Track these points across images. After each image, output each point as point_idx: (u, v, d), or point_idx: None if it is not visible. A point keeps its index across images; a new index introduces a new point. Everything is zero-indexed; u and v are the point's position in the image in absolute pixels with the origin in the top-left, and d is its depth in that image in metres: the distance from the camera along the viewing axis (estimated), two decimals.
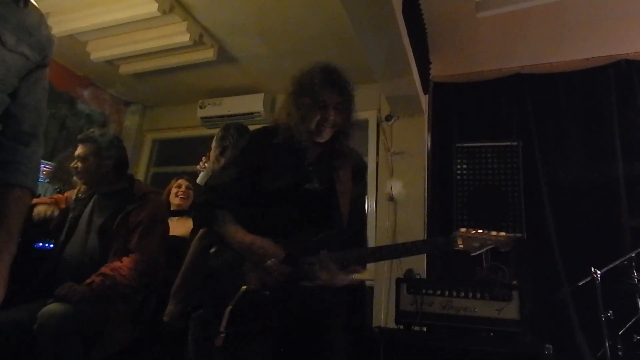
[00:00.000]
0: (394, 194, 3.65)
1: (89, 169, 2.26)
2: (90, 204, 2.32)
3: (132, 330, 2.10)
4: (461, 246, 1.46)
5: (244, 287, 1.43)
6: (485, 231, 1.48)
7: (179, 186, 3.23)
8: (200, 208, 1.65)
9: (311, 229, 1.54)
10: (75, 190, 2.46)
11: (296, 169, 1.63)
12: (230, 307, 1.38)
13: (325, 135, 1.66)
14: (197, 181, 2.72)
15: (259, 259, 1.45)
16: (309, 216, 1.57)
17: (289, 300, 1.45)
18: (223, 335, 1.35)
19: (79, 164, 2.27)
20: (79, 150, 2.29)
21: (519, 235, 2.82)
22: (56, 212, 2.42)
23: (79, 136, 2.36)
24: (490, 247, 1.47)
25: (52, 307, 1.87)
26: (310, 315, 1.48)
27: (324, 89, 1.63)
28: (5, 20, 0.96)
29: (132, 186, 2.36)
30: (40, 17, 1.07)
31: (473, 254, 1.48)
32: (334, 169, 1.67)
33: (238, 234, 1.51)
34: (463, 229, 1.49)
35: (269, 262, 1.43)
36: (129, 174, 2.46)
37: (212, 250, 1.61)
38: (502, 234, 1.47)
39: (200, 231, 2.14)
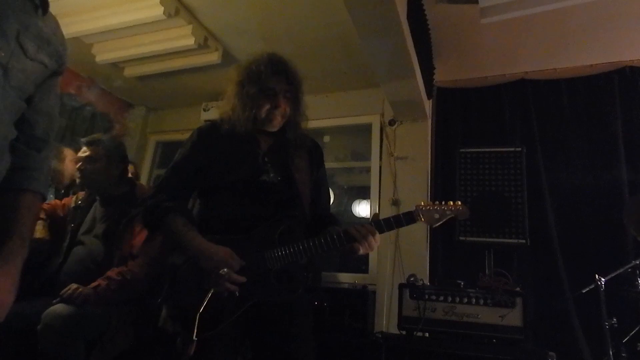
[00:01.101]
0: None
1: (95, 171, 2.26)
2: (92, 211, 2.32)
3: (134, 333, 2.09)
4: (423, 220, 1.49)
5: (212, 290, 1.37)
6: (443, 202, 1.51)
7: None
8: (149, 212, 1.55)
9: (272, 221, 1.50)
10: (74, 198, 2.45)
11: (250, 161, 1.59)
12: (199, 312, 1.32)
13: (277, 124, 1.63)
14: None
15: (212, 265, 1.39)
16: (269, 208, 1.53)
17: (256, 302, 1.42)
18: (195, 340, 1.30)
19: (86, 166, 2.27)
20: (88, 152, 2.29)
21: (522, 241, 2.81)
22: (47, 237, 2.37)
23: (87, 138, 2.35)
24: (450, 217, 1.49)
25: (57, 308, 1.87)
26: (276, 318, 1.46)
27: (271, 77, 1.60)
28: (27, 28, 0.96)
29: (134, 190, 2.36)
30: (57, 25, 1.09)
31: (435, 225, 1.50)
32: (289, 158, 1.64)
33: (193, 241, 1.45)
34: (422, 202, 1.52)
35: (221, 271, 1.36)
36: (130, 178, 2.46)
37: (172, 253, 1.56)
38: (459, 202, 1.50)
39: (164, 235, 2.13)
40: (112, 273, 2.03)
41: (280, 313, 1.47)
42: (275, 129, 1.65)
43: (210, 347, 1.38)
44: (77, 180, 2.36)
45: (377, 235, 1.48)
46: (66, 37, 1.14)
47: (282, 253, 1.46)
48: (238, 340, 1.46)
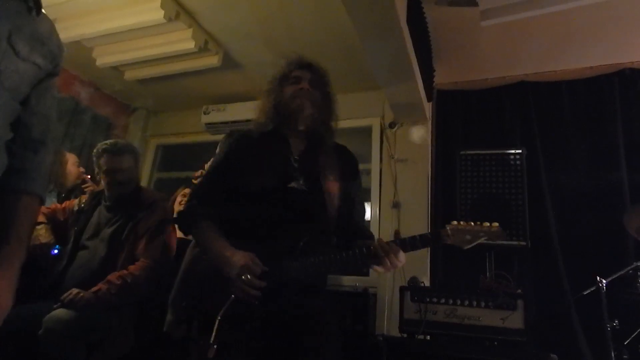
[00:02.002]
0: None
1: (125, 181, 2.28)
2: (96, 214, 2.33)
3: (135, 337, 2.09)
4: (451, 240, 1.39)
5: (233, 296, 1.38)
6: (477, 223, 1.39)
7: (184, 195, 3.25)
8: (183, 216, 1.60)
9: (297, 229, 1.47)
10: (76, 201, 2.45)
11: (280, 167, 1.57)
12: (219, 317, 1.33)
13: (305, 108, 1.59)
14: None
15: (235, 271, 1.39)
16: (295, 216, 1.50)
17: (277, 308, 1.41)
18: (215, 347, 1.29)
19: (122, 176, 2.26)
20: (123, 162, 2.28)
21: (523, 243, 2.80)
22: (52, 242, 2.38)
23: (104, 147, 2.33)
24: (483, 239, 1.38)
25: (58, 312, 1.88)
26: (298, 323, 1.44)
27: (296, 69, 1.65)
28: (20, 29, 0.96)
29: (139, 193, 2.36)
30: (52, 26, 1.09)
31: (466, 248, 1.40)
32: (320, 166, 1.60)
33: (219, 246, 1.46)
34: (454, 222, 1.41)
35: (243, 276, 1.36)
36: (135, 182, 2.47)
37: (198, 256, 1.57)
38: (495, 224, 1.39)
39: (194, 240, 2.15)
40: (112, 277, 2.03)
41: (301, 322, 1.44)
42: (304, 121, 1.61)
43: (229, 353, 1.37)
44: (106, 192, 2.35)
45: (401, 255, 1.41)
46: (66, 40, 1.14)
47: (303, 263, 1.43)
48: (257, 347, 1.43)
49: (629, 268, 2.48)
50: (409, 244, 1.41)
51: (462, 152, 3.21)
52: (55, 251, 2.44)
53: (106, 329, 1.98)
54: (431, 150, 3.81)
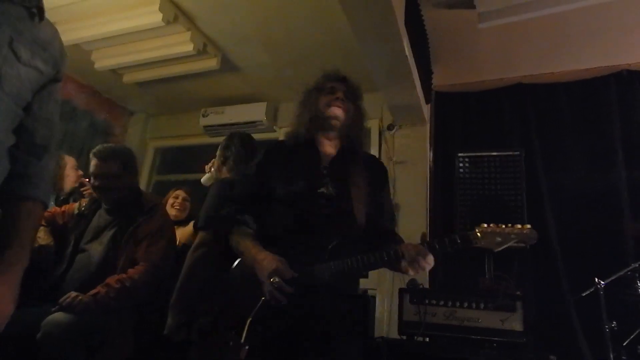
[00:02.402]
0: None
1: (112, 187, 2.26)
2: (96, 218, 2.32)
3: (134, 340, 2.09)
4: (481, 243, 1.37)
5: (263, 298, 1.43)
6: (508, 225, 1.36)
7: (176, 197, 3.25)
8: (221, 222, 1.71)
9: (326, 233, 1.52)
10: (77, 205, 2.45)
11: (310, 174, 1.63)
12: (250, 318, 1.39)
13: (339, 114, 1.67)
14: (202, 181, 2.85)
15: (265, 274, 1.43)
16: (324, 220, 1.55)
17: (305, 311, 1.44)
18: (247, 348, 1.35)
19: (102, 182, 2.25)
20: (93, 163, 2.28)
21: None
22: (52, 244, 2.37)
23: (93, 150, 2.33)
24: (514, 241, 1.35)
25: (57, 316, 1.87)
26: (323, 325, 1.46)
27: (329, 80, 1.74)
28: (21, 34, 0.97)
29: (140, 197, 2.36)
30: (55, 32, 1.10)
31: (497, 250, 1.37)
32: (348, 173, 1.66)
33: (252, 250, 1.53)
34: (483, 224, 1.38)
35: (272, 279, 1.40)
36: (137, 186, 2.47)
37: (235, 264, 1.63)
38: (527, 226, 1.36)
39: (195, 243, 2.15)
40: (111, 280, 2.03)
41: (328, 325, 1.47)
42: (336, 126, 1.69)
43: (258, 354, 1.41)
44: (95, 194, 2.36)
45: (430, 257, 1.41)
46: (65, 44, 1.15)
47: (331, 267, 1.46)
48: (285, 350, 1.46)
49: (628, 269, 2.49)
50: (438, 246, 1.41)
51: (460, 154, 3.23)
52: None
53: (105, 332, 1.98)
54: (430, 152, 3.81)
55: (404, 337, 2.38)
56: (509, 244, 1.35)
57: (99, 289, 1.99)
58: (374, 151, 4.01)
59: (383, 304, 3.34)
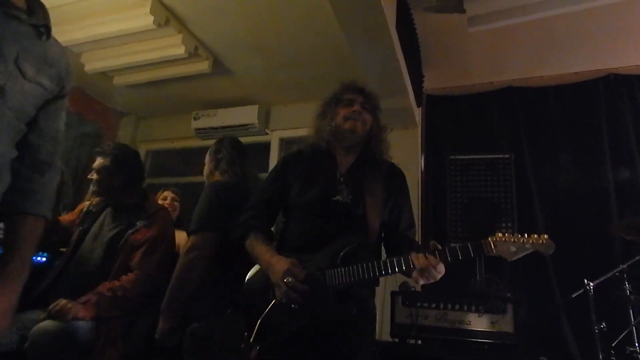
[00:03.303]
0: None
1: (103, 181, 2.25)
2: (101, 217, 2.30)
3: (124, 348, 2.05)
4: (495, 252, 1.36)
5: (274, 300, 1.46)
6: (524, 234, 1.37)
7: (165, 198, 3.20)
8: (238, 228, 1.70)
9: (340, 239, 1.53)
10: (87, 203, 2.43)
11: (326, 181, 1.65)
12: (260, 320, 1.42)
13: (354, 129, 1.68)
14: None
15: (279, 276, 1.46)
16: (338, 228, 1.57)
17: (316, 315, 1.45)
18: (256, 348, 1.39)
19: (95, 176, 2.26)
20: (96, 162, 2.28)
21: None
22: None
23: (96, 149, 2.35)
24: (530, 251, 1.36)
25: (45, 324, 1.83)
26: (337, 331, 1.47)
27: (347, 92, 1.75)
28: (27, 51, 1.00)
29: (145, 201, 2.33)
30: (62, 50, 1.15)
31: (512, 259, 1.37)
32: (365, 181, 1.67)
33: (266, 255, 1.56)
34: (499, 234, 1.38)
35: (286, 279, 1.42)
36: (143, 188, 2.44)
37: (250, 274, 1.66)
38: (544, 236, 1.36)
39: (187, 246, 2.13)
40: (102, 288, 1.98)
41: (339, 331, 1.47)
42: (355, 139, 1.70)
43: (269, 356, 1.46)
44: (91, 190, 2.34)
45: (440, 266, 1.39)
46: None
47: (342, 273, 1.47)
48: (295, 355, 1.48)
49: (616, 270, 2.52)
50: (450, 255, 1.40)
51: (451, 157, 3.25)
52: (43, 259, 2.41)
53: (94, 340, 1.94)
54: (421, 155, 3.84)
55: (396, 340, 2.39)
56: (525, 254, 1.36)
57: (90, 296, 1.95)
58: None
59: (376, 307, 3.33)
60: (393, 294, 2.47)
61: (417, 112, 3.79)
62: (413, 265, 1.40)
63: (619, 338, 2.42)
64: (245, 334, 1.49)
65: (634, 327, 2.40)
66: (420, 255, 1.40)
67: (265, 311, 1.45)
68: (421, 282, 1.44)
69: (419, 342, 2.41)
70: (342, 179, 1.67)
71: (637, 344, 2.36)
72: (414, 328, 2.33)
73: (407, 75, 3.16)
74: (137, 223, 2.18)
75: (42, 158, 1.08)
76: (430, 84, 3.90)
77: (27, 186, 1.04)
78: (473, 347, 2.26)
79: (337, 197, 1.61)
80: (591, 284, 2.47)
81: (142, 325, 2.15)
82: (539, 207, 3.35)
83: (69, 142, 4.24)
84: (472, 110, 3.83)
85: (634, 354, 2.35)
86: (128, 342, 2.08)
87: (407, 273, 1.45)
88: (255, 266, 1.65)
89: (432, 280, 1.42)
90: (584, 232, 3.18)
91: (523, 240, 1.36)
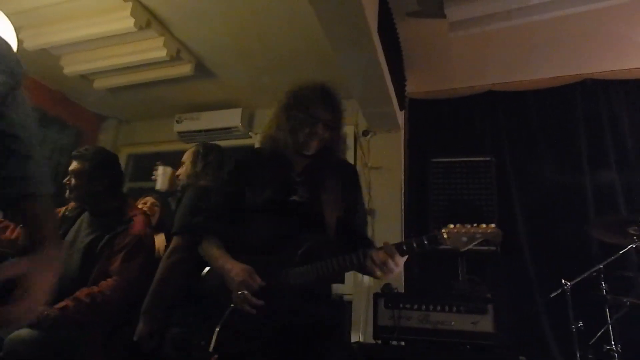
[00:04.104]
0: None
1: (81, 186, 2.20)
2: (78, 222, 2.25)
3: (104, 357, 2.01)
4: (448, 243, 1.39)
5: (232, 305, 1.43)
6: (474, 225, 1.40)
7: (145, 203, 3.19)
8: (190, 231, 1.72)
9: (297, 239, 1.54)
10: (63, 209, 2.38)
11: (282, 182, 1.66)
12: (219, 327, 1.38)
13: (312, 149, 1.68)
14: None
15: (233, 285, 1.45)
16: (295, 228, 1.57)
17: (278, 318, 1.44)
18: (216, 356, 1.35)
19: (72, 180, 2.22)
20: (73, 166, 2.23)
21: (493, 248, 2.88)
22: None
23: (74, 152, 2.30)
24: (479, 240, 1.39)
25: (21, 333, 1.79)
26: (300, 331, 1.46)
27: (317, 106, 1.68)
28: None
29: (124, 206, 2.29)
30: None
31: (463, 249, 1.40)
32: (320, 179, 1.68)
33: (219, 259, 1.55)
34: (450, 225, 1.41)
35: (239, 292, 1.41)
36: (122, 193, 2.40)
37: (205, 271, 1.63)
38: (492, 225, 1.39)
39: (169, 249, 2.11)
40: (80, 294, 1.93)
41: (303, 330, 1.47)
42: (310, 152, 1.70)
43: None
44: (68, 195, 2.29)
45: (398, 259, 1.42)
46: (33, 49, 1.15)
47: (302, 272, 1.48)
48: (260, 357, 1.46)
49: (593, 270, 2.57)
50: (406, 247, 1.43)
51: (433, 160, 3.29)
52: None
53: (73, 349, 1.89)
54: (404, 157, 3.87)
55: (379, 342, 2.40)
56: (475, 243, 1.39)
57: (67, 302, 1.90)
58: (349, 156, 4.04)
59: (359, 309, 3.35)
60: (376, 296, 2.49)
61: (400, 116, 3.82)
62: (372, 259, 1.42)
63: (596, 337, 2.47)
64: (202, 342, 1.44)
65: (610, 326, 2.45)
66: (378, 249, 1.44)
67: (223, 318, 1.41)
68: (378, 275, 1.45)
69: (402, 343, 2.42)
70: (297, 179, 1.68)
71: (613, 343, 2.41)
72: (396, 330, 2.34)
73: (390, 79, 3.19)
74: (117, 228, 2.14)
75: (23, 144, 1.05)
76: (412, 88, 3.94)
77: (21, 173, 1.01)
78: (455, 348, 2.29)
79: (294, 197, 1.62)
80: (568, 283, 2.52)
81: (125, 332, 2.11)
82: (519, 209, 3.40)
83: (50, 141, 4.17)
84: (453, 113, 3.88)
85: (611, 352, 2.40)
86: (111, 350, 2.04)
87: (367, 268, 1.46)
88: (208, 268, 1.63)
89: (389, 274, 1.44)
90: (563, 233, 3.23)
91: (473, 231, 1.39)
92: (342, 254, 1.49)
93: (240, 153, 1.85)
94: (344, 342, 1.60)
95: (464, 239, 1.39)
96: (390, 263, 1.41)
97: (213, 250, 1.59)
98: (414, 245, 1.42)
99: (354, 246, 1.58)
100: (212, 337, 1.39)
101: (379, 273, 1.44)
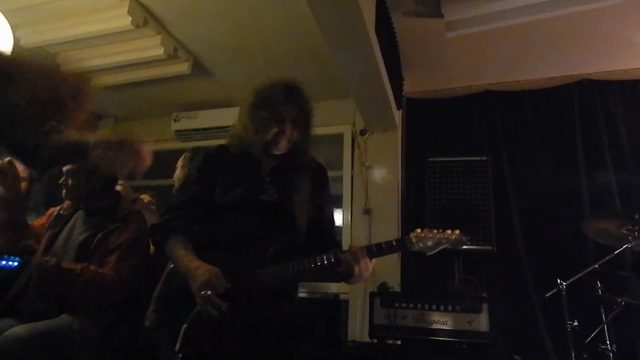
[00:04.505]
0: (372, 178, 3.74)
1: (79, 185, 2.19)
2: (72, 220, 2.24)
3: (101, 356, 2.01)
4: (416, 247, 1.46)
5: (198, 307, 1.40)
6: (440, 230, 1.47)
7: (141, 200, 3.18)
8: (156, 230, 1.64)
9: (267, 239, 1.53)
10: (58, 208, 2.37)
11: (252, 181, 1.63)
12: (185, 326, 1.35)
13: (281, 148, 1.66)
14: None
15: (197, 286, 1.42)
16: (265, 227, 1.56)
17: (243, 319, 1.43)
18: (180, 356, 1.32)
19: (69, 181, 2.20)
20: (68, 166, 2.22)
21: (489, 247, 2.89)
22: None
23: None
24: (445, 246, 1.46)
25: (16, 330, 1.78)
26: (267, 332, 1.46)
27: (283, 104, 1.64)
28: None
29: (118, 204, 2.29)
30: None
31: (429, 254, 1.47)
32: (290, 179, 1.67)
33: (184, 259, 1.51)
34: (418, 230, 1.48)
35: (204, 292, 1.39)
36: (117, 191, 2.39)
37: (170, 268, 1.61)
38: (456, 232, 1.46)
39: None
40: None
41: (271, 330, 1.47)
42: (279, 152, 1.68)
43: None
44: (65, 195, 2.28)
45: (366, 262, 1.45)
46: (30, 46, 1.15)
47: (272, 272, 1.47)
48: (226, 357, 1.45)
49: (588, 270, 2.58)
50: (376, 251, 1.46)
51: (430, 159, 3.30)
52: (15, 264, 2.34)
53: (68, 347, 1.89)
54: (401, 157, 3.88)
55: (375, 341, 2.40)
56: (440, 248, 1.45)
57: (76, 266, 1.90)
58: (346, 156, 4.05)
59: (355, 308, 3.36)
60: (372, 295, 2.49)
61: (397, 115, 3.83)
62: (340, 262, 1.44)
63: (591, 336, 2.48)
64: (166, 342, 1.43)
65: (605, 326, 2.46)
66: (347, 252, 1.46)
67: (189, 318, 1.38)
68: (352, 281, 1.47)
69: (398, 342, 2.43)
70: (267, 178, 1.66)
71: (608, 342, 2.42)
72: (392, 329, 2.35)
73: (387, 79, 3.19)
74: (110, 226, 2.13)
75: None
76: (409, 87, 3.94)
77: None
78: (451, 347, 2.29)
79: (263, 197, 1.61)
80: (564, 283, 2.53)
81: (120, 331, 2.10)
82: (515, 208, 3.41)
83: None
84: (450, 113, 3.89)
85: (606, 352, 2.41)
86: (106, 349, 2.03)
87: (338, 270, 1.47)
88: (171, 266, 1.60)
89: (358, 278, 1.46)
90: (559, 233, 3.25)
91: (439, 236, 1.46)
92: (312, 254, 1.50)
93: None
94: (307, 341, 1.59)
95: (430, 243, 1.45)
96: (362, 266, 1.43)
97: (178, 249, 1.54)
98: (383, 247, 1.46)
99: (322, 247, 1.59)
100: (177, 337, 1.35)
101: (351, 279, 1.47)
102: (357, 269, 1.44)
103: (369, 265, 1.46)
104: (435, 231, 1.47)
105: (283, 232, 1.57)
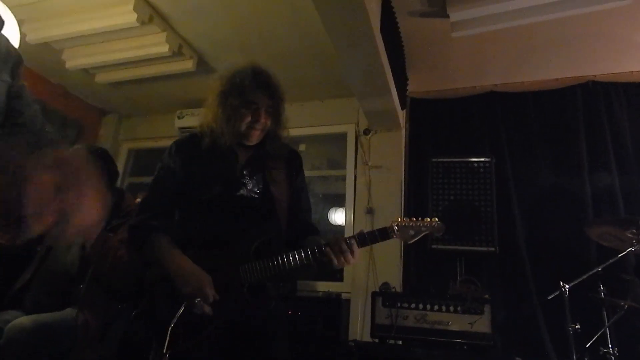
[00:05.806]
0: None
1: None
2: None
3: (101, 350, 2.02)
4: (397, 236, 1.49)
5: (184, 306, 1.38)
6: (420, 218, 1.51)
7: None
8: (133, 231, 1.59)
9: (249, 235, 1.51)
10: None
11: (228, 176, 1.60)
12: (172, 326, 1.32)
13: (255, 139, 1.63)
14: None
15: (187, 290, 1.40)
16: (246, 223, 1.54)
17: (230, 316, 1.43)
18: (167, 356, 1.30)
19: None
20: None
21: (491, 249, 2.88)
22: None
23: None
24: (425, 233, 1.50)
25: (22, 320, 1.80)
26: (252, 331, 1.47)
27: (255, 90, 1.59)
28: None
29: (121, 201, 2.30)
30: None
31: (410, 242, 1.51)
32: (266, 171, 1.64)
33: (175, 258, 1.48)
34: (399, 219, 1.51)
35: (196, 300, 1.38)
36: (119, 188, 2.40)
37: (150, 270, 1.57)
38: (435, 219, 1.50)
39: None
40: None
41: (256, 327, 1.47)
42: (253, 143, 1.65)
43: None
44: None
45: (354, 250, 1.47)
46: (35, 42, 1.17)
47: (256, 267, 1.47)
48: (215, 357, 1.45)
49: (591, 272, 2.57)
50: (359, 240, 1.48)
51: (433, 160, 3.29)
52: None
53: (71, 340, 1.91)
54: (404, 157, 3.87)
55: (376, 340, 2.41)
56: (421, 236, 1.50)
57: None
58: (349, 155, 4.05)
59: (357, 307, 3.36)
60: (373, 295, 2.49)
61: (401, 115, 3.82)
62: (327, 252, 1.45)
63: (593, 339, 2.47)
64: (154, 341, 1.42)
65: (607, 329, 2.46)
66: (333, 241, 1.47)
67: (176, 316, 1.34)
68: (336, 265, 1.47)
69: (399, 342, 2.43)
70: (244, 172, 1.61)
71: (610, 345, 2.41)
72: (393, 329, 2.35)
73: (391, 78, 3.18)
74: (113, 222, 2.15)
75: (31, 127, 1.09)
76: (414, 87, 3.94)
77: (35, 138, 1.05)
78: (452, 348, 2.29)
79: (241, 192, 1.57)
80: (567, 285, 2.52)
81: (117, 329, 2.12)
82: (517, 210, 3.40)
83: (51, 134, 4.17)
84: (454, 113, 3.87)
85: (607, 355, 2.40)
86: (105, 345, 2.05)
87: (324, 263, 1.48)
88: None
89: (344, 265, 1.49)
90: (562, 235, 3.23)
91: (419, 224, 1.50)
92: (295, 246, 1.50)
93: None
94: (285, 337, 1.58)
95: (411, 232, 1.50)
96: (348, 255, 1.45)
97: (165, 249, 1.50)
98: (367, 237, 1.49)
99: (302, 234, 1.61)
100: (160, 335, 1.33)
101: (336, 264, 1.47)
102: (341, 258, 1.45)
103: (355, 253, 1.47)
104: (415, 219, 1.51)
105: (265, 226, 1.56)
